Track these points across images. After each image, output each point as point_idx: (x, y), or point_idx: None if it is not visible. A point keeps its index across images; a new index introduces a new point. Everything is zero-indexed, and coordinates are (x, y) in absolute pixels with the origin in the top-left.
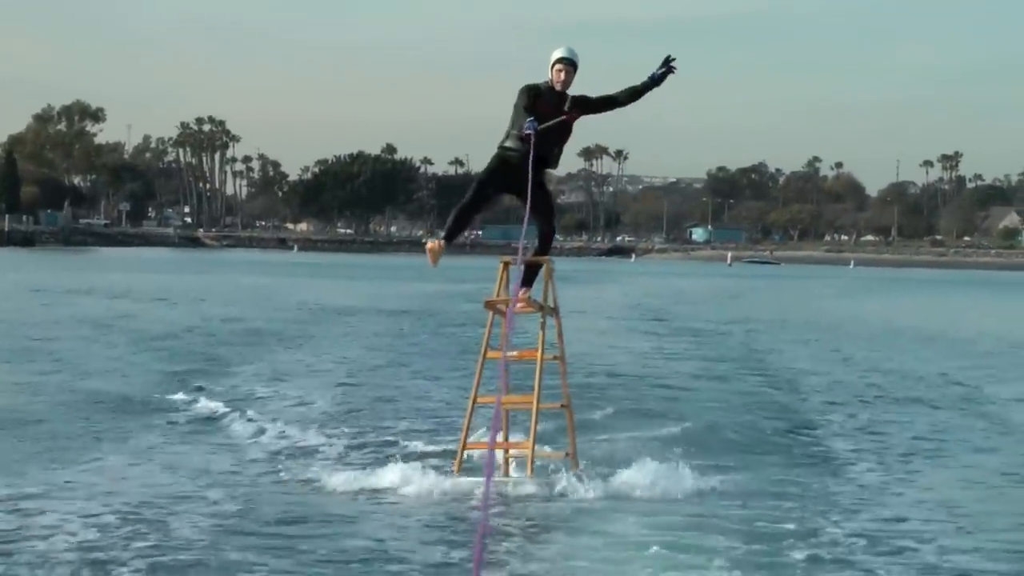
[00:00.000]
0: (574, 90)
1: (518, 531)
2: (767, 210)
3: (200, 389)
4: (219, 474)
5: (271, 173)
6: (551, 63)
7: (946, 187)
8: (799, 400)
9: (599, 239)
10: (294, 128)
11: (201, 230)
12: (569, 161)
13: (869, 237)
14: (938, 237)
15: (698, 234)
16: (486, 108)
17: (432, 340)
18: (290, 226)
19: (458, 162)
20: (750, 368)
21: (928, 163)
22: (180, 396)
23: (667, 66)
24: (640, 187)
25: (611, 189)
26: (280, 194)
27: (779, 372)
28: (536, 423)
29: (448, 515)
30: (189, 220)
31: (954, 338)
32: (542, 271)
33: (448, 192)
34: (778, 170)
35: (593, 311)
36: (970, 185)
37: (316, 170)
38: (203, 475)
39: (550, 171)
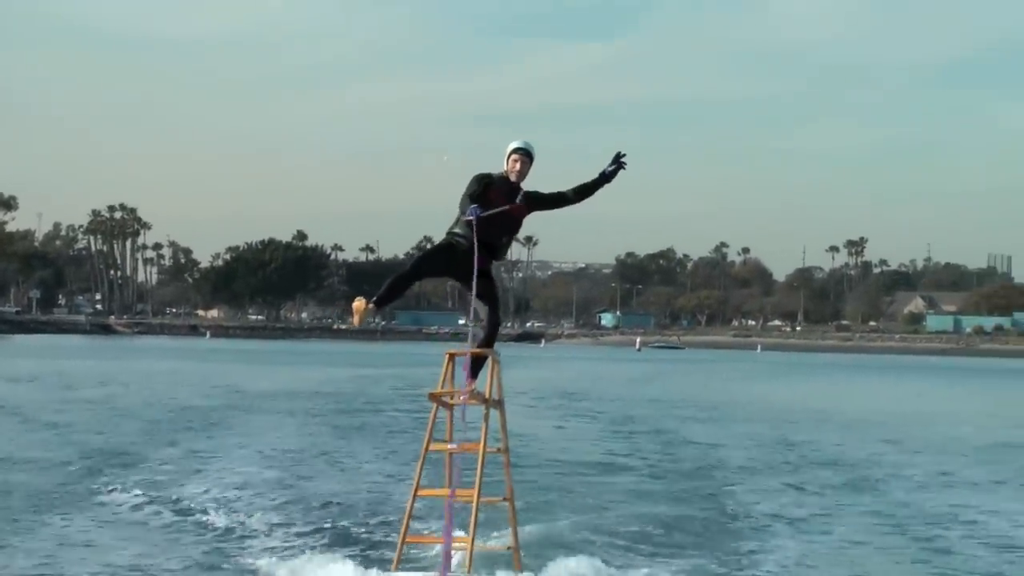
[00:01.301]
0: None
1: None
2: (675, 295)
3: (124, 476)
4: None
5: (182, 260)
6: (507, 154)
7: (852, 272)
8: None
9: (509, 324)
10: (205, 215)
11: (112, 317)
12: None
13: (776, 322)
14: (844, 322)
15: (607, 319)
16: (397, 196)
17: (356, 424)
18: (201, 313)
19: (369, 249)
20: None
21: (834, 248)
22: (107, 483)
23: (617, 163)
24: (549, 272)
25: (521, 275)
26: (191, 281)
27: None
28: (476, 517)
29: None
30: (100, 307)
31: (841, 416)
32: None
33: (359, 279)
34: (686, 256)
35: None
36: (876, 270)
37: (227, 257)
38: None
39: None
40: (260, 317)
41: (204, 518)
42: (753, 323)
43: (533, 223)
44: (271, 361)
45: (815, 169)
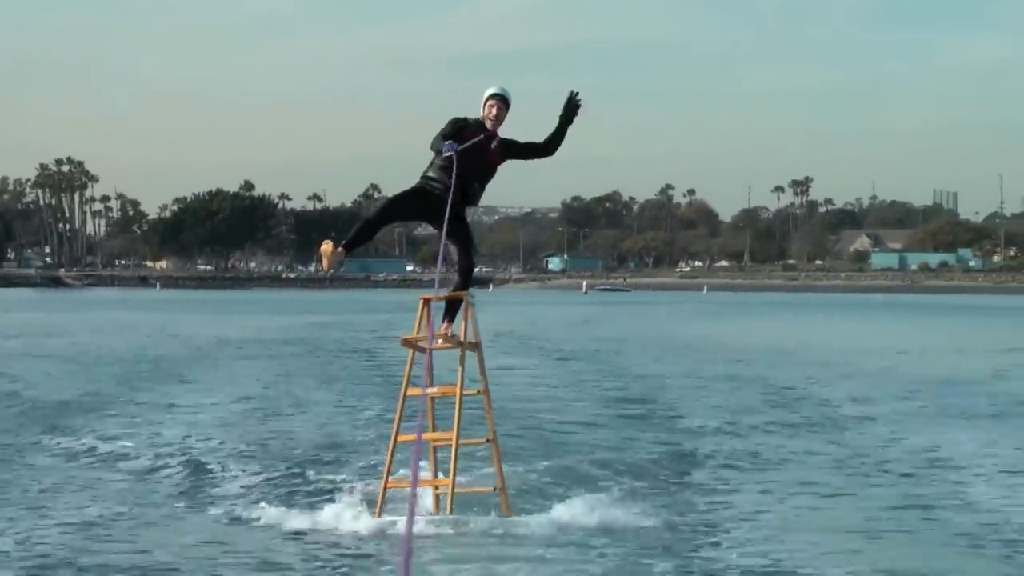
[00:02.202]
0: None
1: (442, 570)
2: (622, 238)
3: (91, 425)
4: (130, 507)
5: (130, 212)
6: (484, 99)
7: (798, 212)
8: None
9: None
10: (152, 167)
11: (62, 270)
12: None
13: (723, 263)
14: (790, 261)
15: (554, 263)
16: (344, 144)
17: (324, 371)
18: (150, 264)
19: (316, 198)
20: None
21: (779, 188)
22: (79, 425)
23: (571, 102)
24: (496, 217)
25: (468, 221)
26: (140, 233)
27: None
28: (456, 459)
29: (369, 557)
30: (49, 260)
31: (779, 351)
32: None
33: (306, 228)
34: (632, 198)
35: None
36: (821, 210)
37: (175, 208)
38: (119, 506)
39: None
40: (209, 267)
41: (176, 467)
42: (700, 264)
43: None
44: (225, 311)
45: (760, 110)
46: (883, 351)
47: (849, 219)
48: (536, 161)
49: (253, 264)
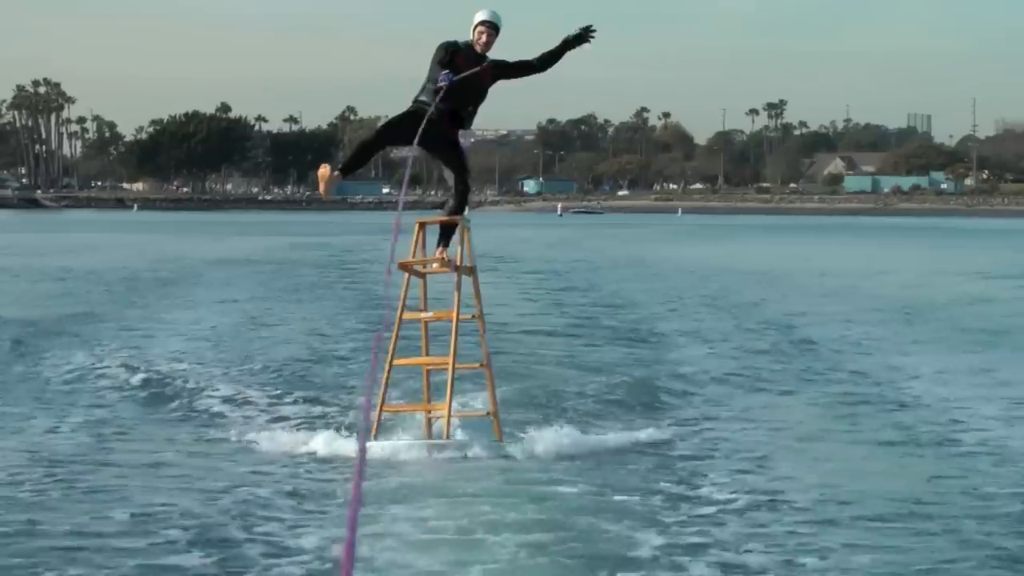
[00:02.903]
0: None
1: (434, 494)
2: (597, 161)
3: (82, 345)
4: (126, 426)
5: (107, 134)
6: (473, 25)
7: (772, 135)
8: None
9: (433, 192)
10: (128, 89)
11: (39, 191)
12: None
13: (697, 185)
14: (764, 184)
15: (530, 186)
16: (320, 66)
17: (305, 291)
18: (126, 186)
19: (292, 119)
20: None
21: (754, 111)
22: (68, 350)
23: (584, 36)
24: (472, 140)
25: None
26: (116, 154)
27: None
28: (452, 384)
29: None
30: (26, 182)
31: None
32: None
33: (283, 150)
34: (607, 121)
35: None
36: (796, 133)
37: (151, 130)
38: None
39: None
40: (186, 189)
41: (167, 389)
42: (675, 187)
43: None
44: (205, 232)
45: (735, 32)
46: (843, 272)
47: (823, 142)
48: (512, 84)
49: (229, 186)
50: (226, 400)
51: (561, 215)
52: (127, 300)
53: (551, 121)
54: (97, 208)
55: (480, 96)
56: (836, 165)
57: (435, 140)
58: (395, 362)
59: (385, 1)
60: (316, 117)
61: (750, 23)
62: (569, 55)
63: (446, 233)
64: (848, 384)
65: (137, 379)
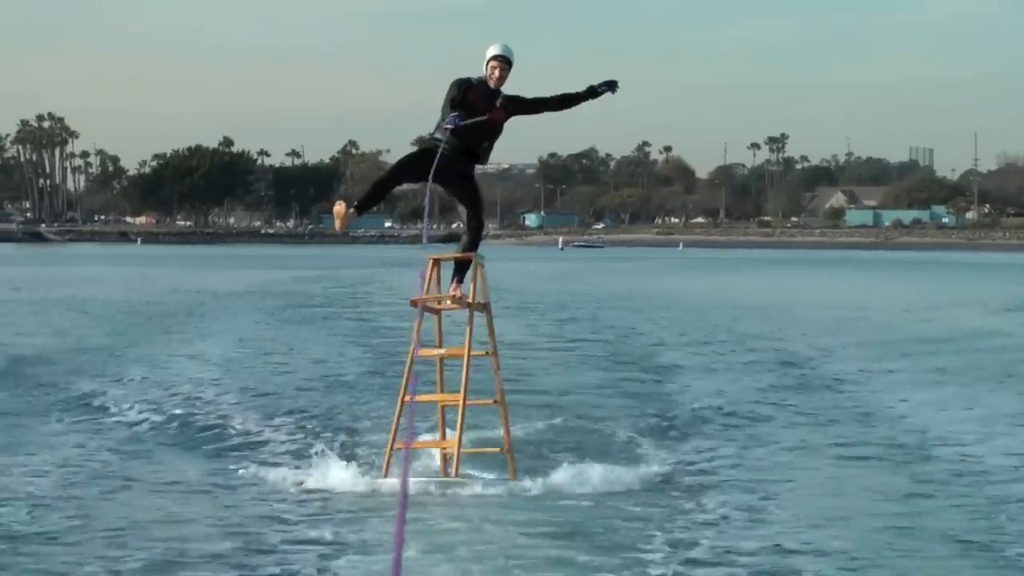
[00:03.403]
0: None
1: (445, 531)
2: (598, 194)
3: (98, 379)
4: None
5: (110, 168)
6: (486, 60)
7: (774, 168)
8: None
9: (435, 226)
10: (132, 124)
11: (43, 225)
12: (403, 151)
13: (699, 219)
14: (765, 218)
15: (531, 220)
16: (322, 100)
17: (314, 324)
18: (129, 220)
19: (295, 154)
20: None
21: (755, 145)
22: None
23: (610, 87)
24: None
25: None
26: (119, 188)
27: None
28: (463, 420)
29: (376, 517)
30: (30, 215)
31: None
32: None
33: (285, 184)
34: (608, 155)
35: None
36: (797, 167)
37: (154, 164)
38: (114, 454)
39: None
40: (188, 223)
41: (175, 422)
42: (676, 220)
43: None
44: (210, 265)
45: (736, 65)
46: (844, 306)
47: (825, 176)
48: (514, 118)
49: (232, 220)
50: (237, 433)
51: (562, 249)
52: (135, 333)
53: (552, 155)
54: (101, 242)
55: (495, 133)
56: (838, 199)
57: (449, 176)
58: (408, 398)
59: (385, 35)
60: (318, 151)
61: (751, 57)
62: (573, 89)
63: (460, 269)
64: (855, 424)
65: (147, 413)
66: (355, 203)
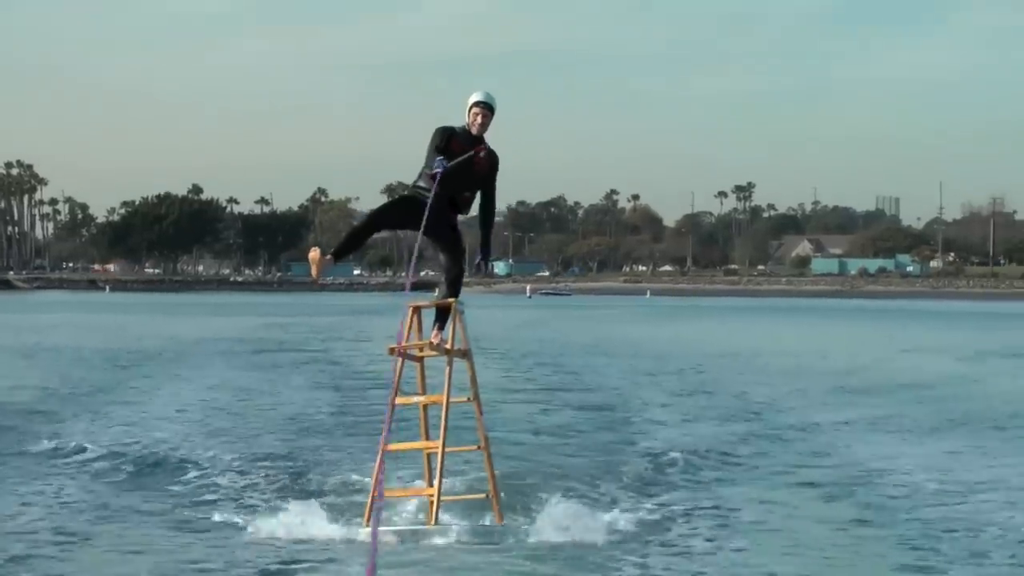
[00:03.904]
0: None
1: None
2: (567, 243)
3: (68, 427)
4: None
5: (79, 215)
6: (468, 107)
7: (741, 217)
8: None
9: (404, 274)
10: (100, 170)
11: (11, 272)
12: (372, 198)
13: (666, 267)
14: (732, 266)
15: (500, 267)
16: (290, 148)
17: (287, 371)
18: (97, 267)
19: (264, 201)
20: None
21: (722, 194)
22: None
23: (478, 268)
24: None
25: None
26: (88, 235)
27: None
28: (442, 468)
29: (354, 566)
30: None
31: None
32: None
33: (254, 232)
34: (577, 203)
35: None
36: (764, 215)
37: (123, 212)
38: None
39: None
40: (157, 271)
41: (144, 470)
42: (643, 269)
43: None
44: (180, 312)
45: (704, 115)
46: (793, 352)
47: (791, 224)
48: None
49: (200, 267)
50: (210, 483)
51: (530, 296)
52: (104, 380)
53: (521, 203)
54: (69, 289)
55: (477, 182)
56: (804, 247)
57: (433, 226)
58: (388, 447)
59: (354, 85)
60: (287, 199)
61: (718, 106)
62: (542, 138)
63: (441, 316)
64: (822, 468)
65: (113, 459)
66: (332, 251)
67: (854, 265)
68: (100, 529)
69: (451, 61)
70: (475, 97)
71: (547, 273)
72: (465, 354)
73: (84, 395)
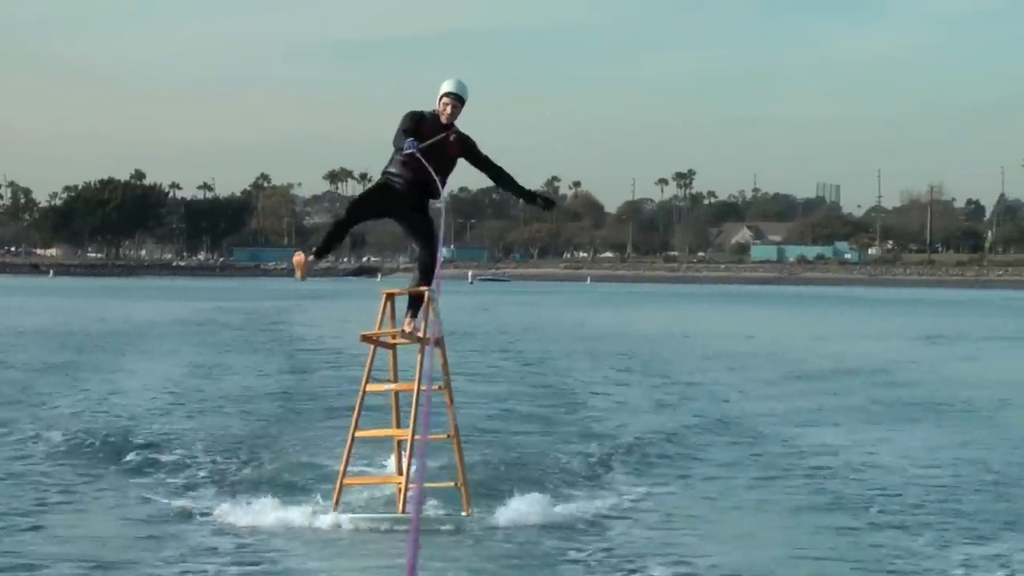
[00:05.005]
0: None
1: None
2: (508, 229)
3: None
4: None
5: (21, 200)
6: (439, 96)
7: (681, 204)
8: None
9: (346, 259)
10: (42, 154)
11: None
12: (314, 184)
13: (607, 254)
14: (672, 253)
15: (441, 253)
16: (233, 132)
17: (240, 353)
18: (40, 251)
19: (207, 187)
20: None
21: (663, 181)
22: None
23: (546, 203)
24: None
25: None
26: (31, 220)
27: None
28: (411, 456)
29: (332, 554)
30: None
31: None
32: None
33: (197, 217)
34: None
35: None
36: (705, 202)
37: (65, 196)
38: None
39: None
40: (100, 255)
41: (102, 452)
42: (584, 255)
43: (363, 158)
44: (127, 296)
45: (644, 101)
46: (734, 336)
47: (732, 212)
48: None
49: (143, 252)
50: (170, 466)
51: (472, 282)
52: (60, 362)
53: (463, 189)
54: (12, 274)
55: (449, 166)
56: (743, 234)
57: (404, 210)
58: (357, 433)
59: (295, 67)
60: (230, 184)
61: (659, 93)
62: (483, 124)
63: (415, 303)
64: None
65: (64, 442)
66: (313, 250)
67: (793, 252)
68: (54, 515)
69: (392, 43)
70: (445, 87)
71: (486, 260)
72: (438, 342)
73: (28, 381)
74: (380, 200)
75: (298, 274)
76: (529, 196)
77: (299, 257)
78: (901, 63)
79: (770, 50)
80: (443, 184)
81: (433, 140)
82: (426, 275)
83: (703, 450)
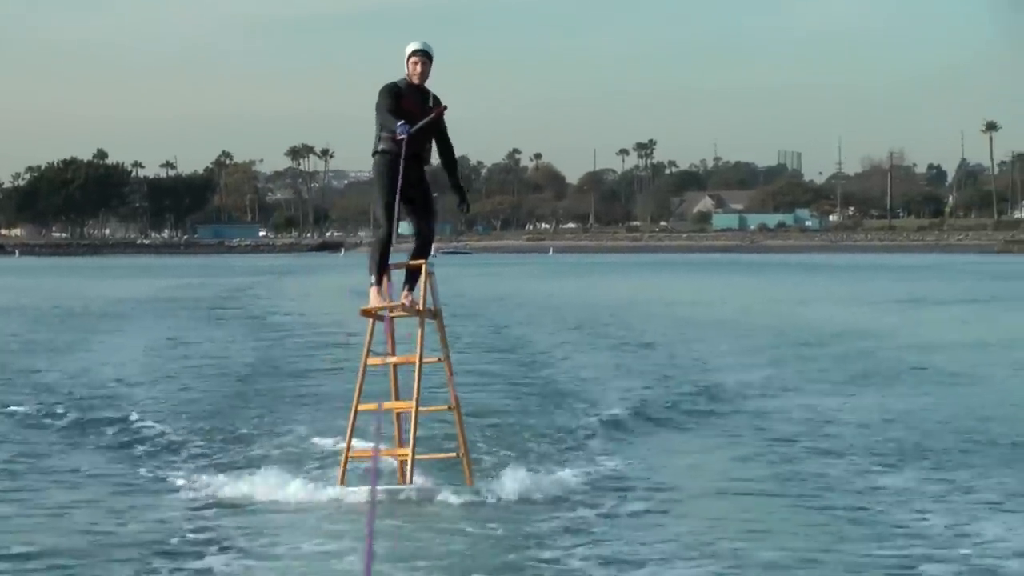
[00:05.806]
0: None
1: (401, 536)
2: (471, 201)
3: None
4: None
5: None
6: (406, 56)
7: (642, 174)
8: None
9: (309, 235)
10: (3, 133)
11: None
12: (276, 160)
13: (570, 225)
14: (634, 223)
15: (404, 227)
16: (195, 108)
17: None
18: (4, 232)
19: (169, 165)
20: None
21: (624, 151)
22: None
23: (466, 205)
24: (346, 182)
25: (318, 185)
26: None
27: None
28: (416, 427)
29: (335, 528)
30: None
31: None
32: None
33: (160, 195)
34: (480, 163)
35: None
36: (666, 172)
37: (28, 176)
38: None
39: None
40: (64, 235)
41: (80, 429)
42: (547, 227)
43: (327, 133)
44: (97, 275)
45: (604, 72)
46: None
47: (693, 181)
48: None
49: (107, 231)
50: (147, 439)
51: (435, 255)
52: (33, 340)
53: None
54: None
55: (434, 131)
56: (705, 203)
57: (407, 185)
58: (360, 407)
59: (257, 42)
60: (192, 162)
61: (618, 63)
62: (443, 97)
63: (412, 276)
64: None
65: (67, 417)
66: (373, 278)
67: (754, 220)
68: (31, 490)
69: (352, 17)
70: (412, 46)
71: (449, 233)
72: (435, 315)
73: (21, 351)
74: (397, 183)
75: (379, 302)
76: (460, 192)
77: (375, 295)
78: (861, 30)
79: (730, 19)
80: (431, 148)
81: (425, 121)
82: (424, 249)
83: (685, 420)
